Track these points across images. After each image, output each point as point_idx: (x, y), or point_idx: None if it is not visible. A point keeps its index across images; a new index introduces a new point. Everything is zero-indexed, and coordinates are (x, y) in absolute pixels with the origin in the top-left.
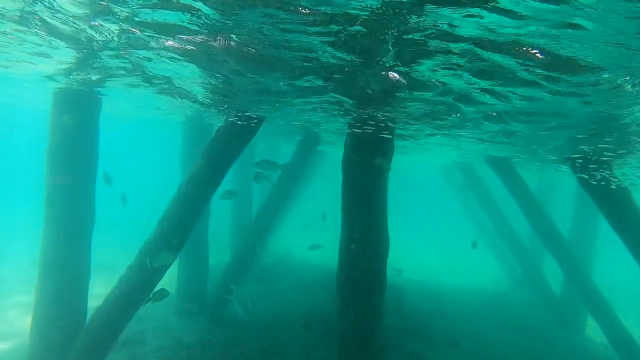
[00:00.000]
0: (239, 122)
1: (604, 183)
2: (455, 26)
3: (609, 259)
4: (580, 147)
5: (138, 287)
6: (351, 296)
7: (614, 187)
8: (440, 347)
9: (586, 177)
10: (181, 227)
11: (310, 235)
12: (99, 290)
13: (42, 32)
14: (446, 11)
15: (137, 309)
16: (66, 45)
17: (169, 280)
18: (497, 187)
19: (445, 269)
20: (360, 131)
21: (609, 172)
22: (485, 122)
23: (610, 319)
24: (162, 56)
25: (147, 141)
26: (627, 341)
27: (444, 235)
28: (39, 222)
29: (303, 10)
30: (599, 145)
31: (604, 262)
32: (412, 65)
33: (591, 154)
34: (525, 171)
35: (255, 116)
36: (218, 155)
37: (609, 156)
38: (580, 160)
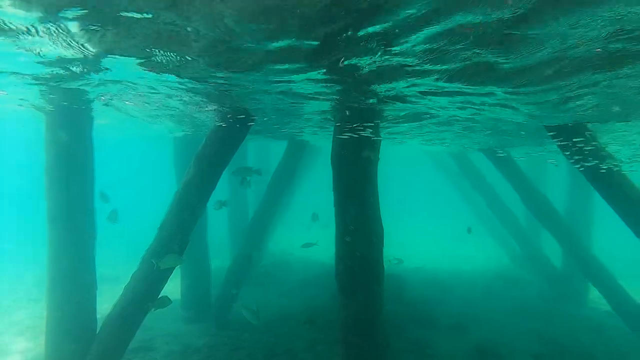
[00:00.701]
0: (230, 122)
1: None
2: None
3: (609, 227)
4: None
5: (143, 295)
6: (350, 287)
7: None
8: (446, 332)
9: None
10: (180, 231)
11: (314, 234)
12: (106, 300)
13: None
14: None
15: (144, 316)
16: None
17: (173, 288)
18: (489, 169)
19: (445, 254)
20: (346, 136)
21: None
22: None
23: (612, 287)
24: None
25: (141, 153)
26: (630, 306)
27: (441, 221)
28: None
29: None
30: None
31: (604, 232)
32: None
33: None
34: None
35: (246, 113)
36: (210, 159)
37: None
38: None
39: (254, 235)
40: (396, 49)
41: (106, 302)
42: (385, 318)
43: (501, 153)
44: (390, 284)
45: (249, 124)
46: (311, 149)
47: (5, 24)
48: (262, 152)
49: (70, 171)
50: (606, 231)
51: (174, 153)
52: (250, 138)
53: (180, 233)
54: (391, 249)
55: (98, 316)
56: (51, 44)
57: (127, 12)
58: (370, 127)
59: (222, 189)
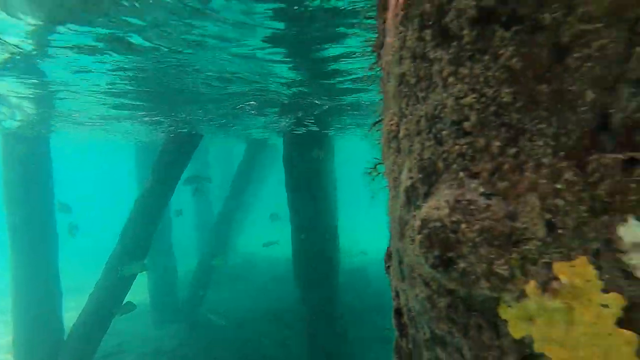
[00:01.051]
0: (182, 133)
1: None
2: None
3: None
4: None
5: (108, 301)
6: (309, 282)
7: None
8: None
9: None
10: (142, 238)
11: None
12: (73, 308)
13: None
14: None
15: (110, 321)
16: None
17: (141, 293)
18: None
19: None
20: (299, 131)
21: None
22: None
23: None
24: None
25: (102, 165)
26: None
27: None
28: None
29: None
30: None
31: None
32: None
33: None
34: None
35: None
36: (167, 166)
37: None
38: None
39: (219, 237)
40: None
41: (72, 310)
42: (346, 309)
43: None
44: (354, 276)
45: (202, 126)
46: (272, 147)
47: None
48: (224, 153)
49: (28, 184)
50: None
51: (136, 160)
52: (210, 141)
53: (142, 239)
54: (356, 242)
55: (65, 324)
56: None
57: None
58: (313, 121)
59: (187, 193)
